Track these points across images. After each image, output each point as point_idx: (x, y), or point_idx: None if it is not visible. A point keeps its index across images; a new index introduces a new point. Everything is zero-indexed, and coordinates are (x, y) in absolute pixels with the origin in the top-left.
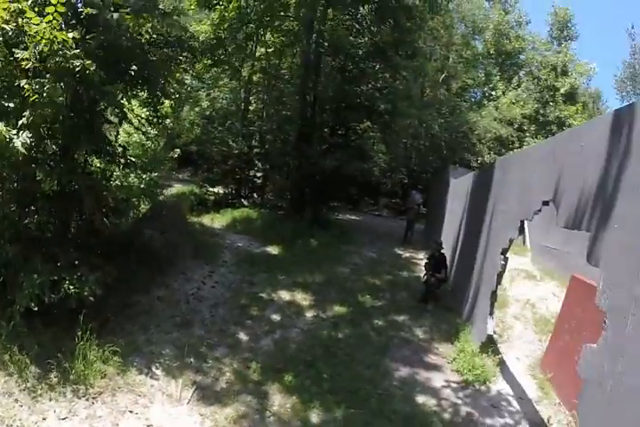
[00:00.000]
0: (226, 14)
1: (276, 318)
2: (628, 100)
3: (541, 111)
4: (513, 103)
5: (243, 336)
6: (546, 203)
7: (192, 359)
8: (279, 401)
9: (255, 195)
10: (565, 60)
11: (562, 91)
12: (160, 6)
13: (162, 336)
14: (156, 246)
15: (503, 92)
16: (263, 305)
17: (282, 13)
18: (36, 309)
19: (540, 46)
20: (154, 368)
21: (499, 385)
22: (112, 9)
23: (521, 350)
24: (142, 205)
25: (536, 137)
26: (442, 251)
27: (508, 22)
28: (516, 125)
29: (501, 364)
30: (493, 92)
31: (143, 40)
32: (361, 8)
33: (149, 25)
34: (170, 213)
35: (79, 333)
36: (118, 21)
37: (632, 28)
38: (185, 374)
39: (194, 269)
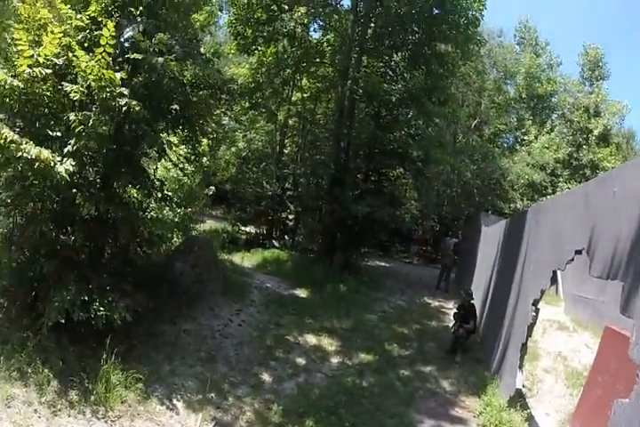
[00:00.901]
0: (264, 59)
1: (300, 361)
2: None
3: (574, 155)
4: (546, 148)
5: (266, 377)
6: (579, 252)
7: (214, 395)
8: None
9: (286, 237)
10: (597, 100)
11: (595, 133)
12: (202, 50)
13: (186, 369)
14: (185, 280)
15: (536, 137)
16: (289, 348)
17: (318, 60)
18: (64, 323)
19: (572, 88)
20: (175, 400)
21: None
22: (157, 53)
23: (551, 405)
24: (175, 239)
25: (569, 182)
26: (471, 301)
27: (539, 65)
28: (549, 170)
29: (530, 419)
30: (526, 137)
31: (185, 81)
32: (394, 55)
33: (191, 70)
34: (202, 248)
35: (105, 355)
36: (163, 66)
37: None
38: (205, 409)
39: (222, 305)
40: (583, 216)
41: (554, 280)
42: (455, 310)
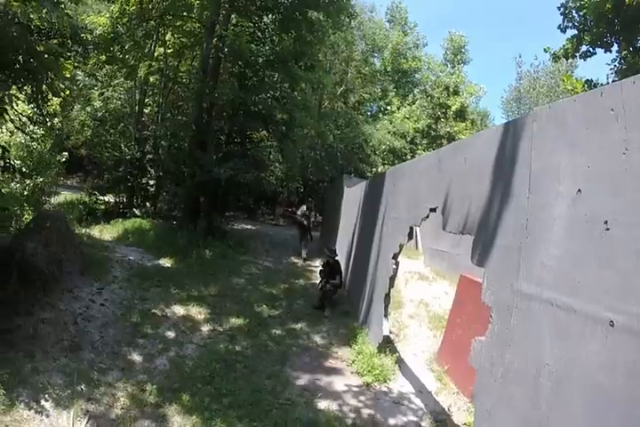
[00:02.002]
0: (126, 8)
1: (170, 334)
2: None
3: (433, 126)
4: (407, 118)
5: (136, 357)
6: (433, 210)
7: (83, 387)
8: (179, 423)
9: (148, 204)
10: (457, 81)
11: (453, 109)
12: None
13: (49, 363)
14: (39, 262)
15: (398, 108)
16: (156, 322)
17: (184, 13)
18: None
19: (435, 67)
20: (42, 401)
21: (399, 382)
22: None
23: (418, 347)
24: (25, 215)
25: (427, 150)
26: (336, 258)
27: (406, 43)
28: (409, 138)
29: (399, 362)
30: (389, 107)
31: (31, 27)
32: (265, 17)
33: (38, 14)
34: (55, 224)
35: None
36: (5, 6)
37: (520, 56)
38: (76, 403)
39: (81, 286)
40: (437, 179)
41: (411, 236)
42: (321, 268)
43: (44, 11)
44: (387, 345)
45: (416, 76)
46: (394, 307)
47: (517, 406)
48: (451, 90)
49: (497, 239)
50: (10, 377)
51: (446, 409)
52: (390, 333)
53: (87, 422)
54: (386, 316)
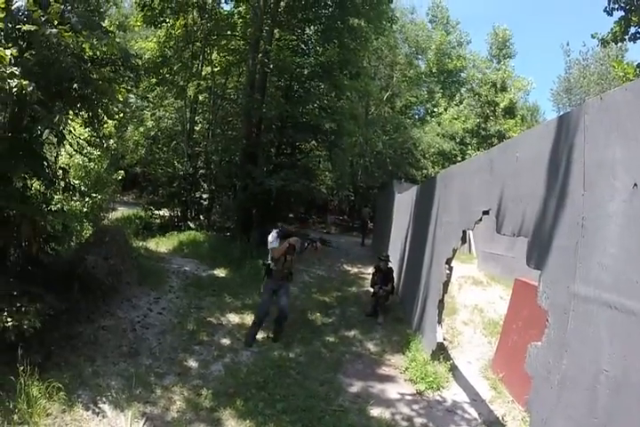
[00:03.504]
0: (172, 32)
1: (225, 342)
2: (563, 111)
3: (482, 125)
4: (455, 119)
5: (192, 363)
6: (486, 212)
7: (140, 390)
8: (232, 426)
9: (202, 217)
10: (504, 76)
11: (501, 106)
12: (104, 23)
13: (109, 368)
14: (99, 274)
15: (445, 109)
16: (212, 330)
17: (228, 32)
18: None
19: (481, 64)
20: (101, 403)
21: (452, 390)
22: (52, 25)
23: (472, 354)
24: (85, 231)
25: (478, 150)
26: (388, 264)
27: (449, 42)
28: (458, 139)
29: (453, 369)
30: (436, 109)
31: (85, 57)
32: (307, 28)
33: (89, 43)
34: (114, 238)
35: (21, 368)
36: (57, 37)
37: (567, 44)
38: (134, 405)
39: (139, 295)
40: (489, 180)
41: (464, 240)
42: (373, 274)
43: (95, 40)
44: (440, 352)
45: (462, 75)
46: (447, 313)
47: (574, 414)
48: (498, 86)
49: (553, 240)
50: (71, 380)
51: (500, 418)
52: (444, 340)
53: (144, 424)
54: (439, 322)
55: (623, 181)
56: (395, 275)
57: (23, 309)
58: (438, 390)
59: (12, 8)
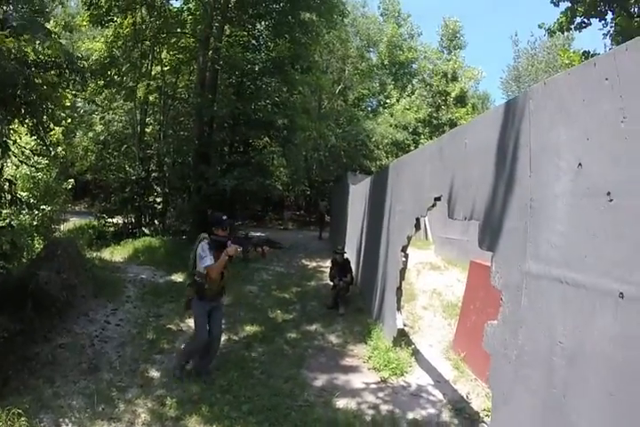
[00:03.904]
0: (120, 31)
1: None
2: None
3: (434, 115)
4: (407, 109)
5: (154, 373)
6: (438, 199)
7: (103, 407)
8: None
9: (156, 222)
10: (455, 67)
11: (452, 95)
12: (49, 24)
13: (69, 387)
14: (53, 289)
15: (397, 100)
16: (172, 337)
17: (178, 30)
18: None
19: (432, 55)
20: (64, 425)
21: (416, 374)
22: None
23: (433, 337)
24: (36, 245)
25: (430, 139)
26: (344, 256)
27: (400, 35)
28: (411, 129)
29: (415, 353)
30: (388, 100)
31: (28, 61)
32: (258, 24)
33: (34, 47)
34: (66, 250)
35: None
36: None
37: (516, 34)
38: (97, 424)
39: (96, 308)
40: (439, 167)
41: (418, 227)
42: (330, 266)
43: (38, 43)
44: (402, 338)
45: (413, 66)
46: (407, 299)
47: (533, 387)
48: (449, 76)
49: (503, 222)
50: (32, 404)
51: (465, 397)
52: (405, 325)
53: None
54: (399, 309)
55: (568, 162)
56: (353, 266)
57: None
58: (402, 375)
59: None
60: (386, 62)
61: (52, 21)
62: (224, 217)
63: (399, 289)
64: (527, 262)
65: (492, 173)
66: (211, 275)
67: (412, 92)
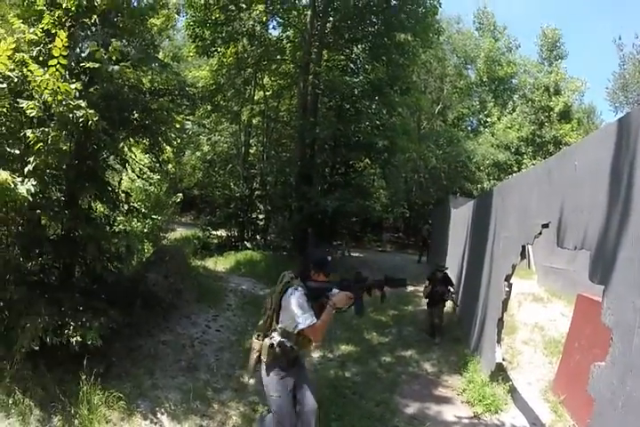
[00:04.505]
0: (224, 60)
1: None
2: (621, 110)
3: (537, 133)
4: (509, 127)
5: (249, 380)
6: (545, 226)
7: (198, 404)
8: None
9: (258, 237)
10: (557, 79)
11: (556, 110)
12: (159, 55)
13: (167, 381)
14: (159, 291)
15: (498, 118)
16: None
17: (278, 57)
18: (38, 349)
19: (532, 68)
20: (159, 414)
21: (511, 413)
22: (113, 61)
23: (532, 375)
24: (146, 250)
25: (534, 159)
26: (445, 271)
27: (498, 49)
28: (514, 149)
29: (512, 391)
30: (489, 119)
31: (143, 89)
32: (355, 47)
33: (149, 77)
34: (173, 257)
35: (83, 377)
36: (119, 73)
37: (619, 39)
38: (190, 418)
39: (198, 313)
40: (547, 191)
41: (523, 255)
42: (427, 282)
43: (154, 73)
44: (499, 373)
45: (513, 81)
46: (507, 332)
47: None
48: (551, 90)
49: (617, 254)
50: (131, 390)
51: None
52: (503, 360)
53: None
54: (499, 342)
55: None
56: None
57: (87, 323)
58: (496, 413)
59: (79, 50)
60: (485, 79)
61: (160, 53)
62: (329, 258)
63: (501, 321)
64: None
65: (605, 198)
66: (314, 336)
67: (514, 110)
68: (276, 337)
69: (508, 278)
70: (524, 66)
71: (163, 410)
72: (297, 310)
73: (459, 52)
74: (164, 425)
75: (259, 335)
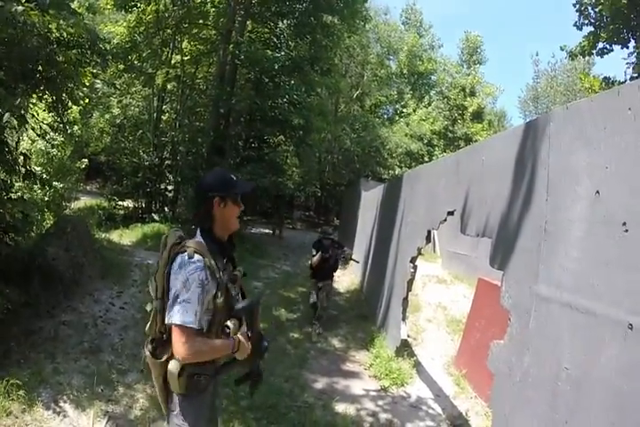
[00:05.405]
0: (143, 17)
1: None
2: (530, 119)
3: (450, 128)
4: (423, 120)
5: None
6: (450, 213)
7: (102, 388)
8: None
9: (167, 209)
10: (474, 81)
11: (470, 110)
12: (72, 4)
13: (70, 365)
14: (60, 266)
15: (414, 110)
16: None
17: (200, 21)
18: None
19: (451, 68)
20: (62, 402)
21: (416, 386)
22: (19, 2)
23: (436, 351)
24: (46, 221)
25: (445, 151)
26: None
27: (421, 45)
28: (426, 141)
29: (417, 365)
30: (405, 110)
31: (51, 38)
32: (280, 22)
33: (57, 24)
34: (76, 229)
35: None
36: (23, 16)
37: (537, 55)
38: (95, 404)
39: (102, 289)
40: (454, 181)
41: (429, 239)
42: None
43: (62, 20)
44: (404, 349)
45: (432, 77)
46: (411, 310)
47: (535, 410)
48: (467, 91)
49: (516, 242)
50: (31, 377)
51: (464, 414)
52: (408, 336)
53: (107, 423)
54: (404, 320)
55: (586, 188)
56: (359, 272)
57: None
58: (402, 386)
59: None
60: (405, 71)
61: (75, 2)
62: (233, 176)
63: (405, 300)
64: (538, 285)
65: (507, 191)
66: (183, 351)
67: (429, 104)
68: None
69: (413, 260)
70: (444, 65)
71: (65, 398)
72: (175, 296)
73: (382, 42)
74: (67, 414)
75: (153, 347)
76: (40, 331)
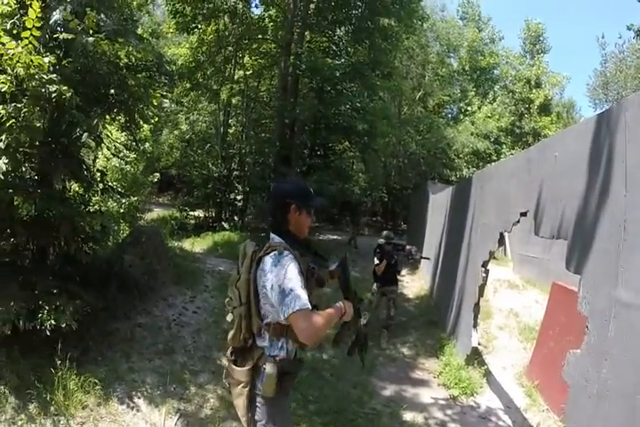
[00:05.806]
0: (204, 37)
1: None
2: (600, 107)
3: (517, 124)
4: (489, 117)
5: (226, 362)
6: (523, 214)
7: (175, 387)
8: None
9: (236, 218)
10: (539, 72)
11: (536, 103)
12: (138, 31)
13: (144, 364)
14: (136, 273)
15: (479, 107)
16: None
17: (260, 36)
18: (9, 334)
19: (514, 61)
20: (136, 398)
21: (486, 396)
22: (88, 33)
23: (507, 360)
24: (122, 231)
25: (513, 149)
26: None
27: (481, 39)
28: (493, 139)
29: (487, 375)
30: (469, 108)
31: (121, 64)
32: (337, 30)
33: (125, 50)
34: (150, 238)
35: (59, 362)
36: (94, 45)
37: (602, 37)
38: (168, 402)
39: (175, 294)
40: (527, 180)
41: (501, 242)
42: (376, 261)
43: (130, 47)
44: (475, 357)
45: (495, 72)
46: (482, 317)
47: (613, 425)
48: (532, 83)
49: (593, 243)
50: (107, 375)
51: None
52: (479, 344)
53: (178, 420)
54: (475, 326)
55: None
56: (428, 277)
57: (62, 307)
58: (472, 395)
59: (51, 21)
60: (467, 68)
61: (139, 29)
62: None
63: (477, 305)
64: (618, 289)
65: (583, 189)
66: (306, 336)
67: (494, 100)
68: (272, 352)
69: (485, 264)
70: (507, 57)
71: (139, 394)
72: (281, 290)
73: (442, 40)
74: (140, 409)
75: (234, 357)
76: (116, 332)
